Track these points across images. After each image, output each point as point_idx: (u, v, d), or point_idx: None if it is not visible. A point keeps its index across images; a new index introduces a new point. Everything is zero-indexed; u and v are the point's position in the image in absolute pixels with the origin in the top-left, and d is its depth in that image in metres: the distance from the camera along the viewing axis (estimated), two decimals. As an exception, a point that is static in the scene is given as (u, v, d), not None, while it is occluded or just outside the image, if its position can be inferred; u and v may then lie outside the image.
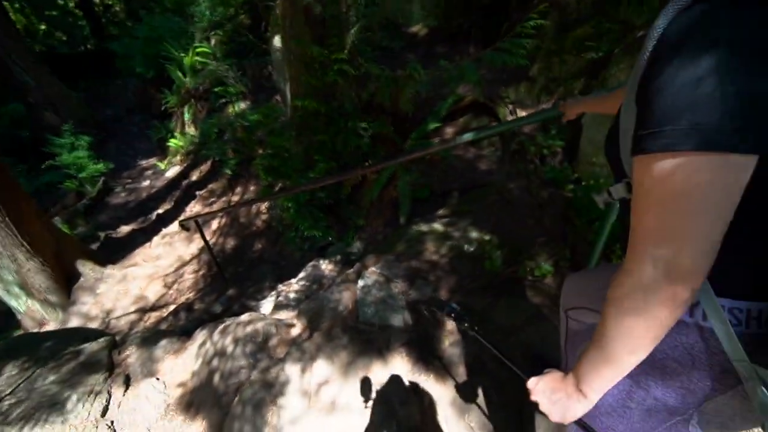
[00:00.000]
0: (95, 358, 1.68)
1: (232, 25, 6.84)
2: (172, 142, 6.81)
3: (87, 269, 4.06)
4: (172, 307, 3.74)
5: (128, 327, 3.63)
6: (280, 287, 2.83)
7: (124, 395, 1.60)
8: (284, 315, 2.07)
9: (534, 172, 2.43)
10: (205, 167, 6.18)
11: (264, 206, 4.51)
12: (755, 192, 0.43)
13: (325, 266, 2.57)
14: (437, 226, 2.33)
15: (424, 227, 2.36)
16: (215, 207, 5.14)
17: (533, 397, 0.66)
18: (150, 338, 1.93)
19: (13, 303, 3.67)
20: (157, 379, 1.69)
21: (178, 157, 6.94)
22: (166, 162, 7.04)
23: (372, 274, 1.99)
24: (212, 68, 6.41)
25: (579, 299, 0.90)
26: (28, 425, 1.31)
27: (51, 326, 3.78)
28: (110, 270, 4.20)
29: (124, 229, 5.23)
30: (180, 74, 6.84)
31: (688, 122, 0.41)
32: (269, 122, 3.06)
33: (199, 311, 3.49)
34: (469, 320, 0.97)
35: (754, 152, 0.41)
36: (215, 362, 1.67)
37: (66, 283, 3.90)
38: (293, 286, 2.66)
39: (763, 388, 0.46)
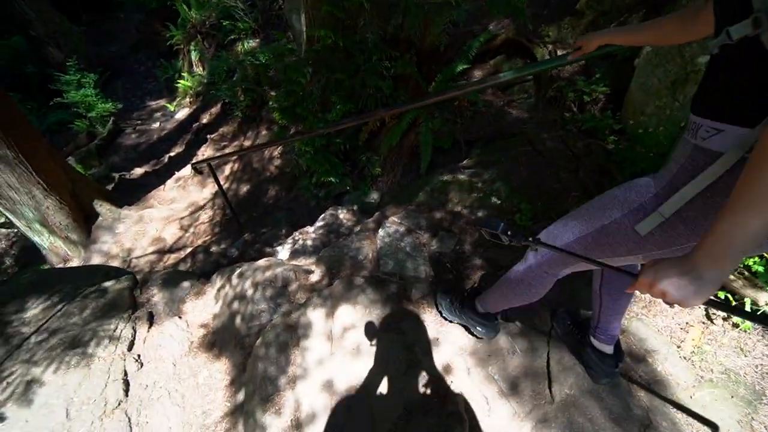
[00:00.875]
0: (119, 296, 1.70)
1: (240, -51, 6.19)
2: (181, 83, 6.53)
3: (104, 209, 4.09)
4: (189, 250, 3.80)
5: (149, 267, 3.72)
6: (297, 234, 2.79)
7: (148, 332, 1.63)
8: (302, 261, 2.05)
9: (571, 121, 2.22)
10: (215, 109, 5.97)
11: (277, 151, 4.38)
12: None
13: (343, 215, 2.50)
14: (462, 176, 2.20)
15: (447, 177, 2.23)
16: (227, 151, 5.03)
17: (659, 286, 0.59)
18: (171, 279, 1.94)
19: (36, 239, 3.76)
20: (180, 317, 1.71)
21: (188, 99, 6.70)
22: (175, 104, 6.81)
23: (393, 224, 1.91)
24: (217, 1, 5.93)
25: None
26: (56, 361, 1.35)
27: (74, 263, 3.91)
28: (127, 211, 4.23)
29: (138, 171, 5.19)
30: (185, 7, 6.36)
31: None
32: (281, 60, 2.81)
33: (216, 254, 3.53)
34: (524, 235, 0.89)
35: None
36: (236, 305, 1.67)
37: (85, 221, 3.95)
38: (310, 234, 2.62)
39: None
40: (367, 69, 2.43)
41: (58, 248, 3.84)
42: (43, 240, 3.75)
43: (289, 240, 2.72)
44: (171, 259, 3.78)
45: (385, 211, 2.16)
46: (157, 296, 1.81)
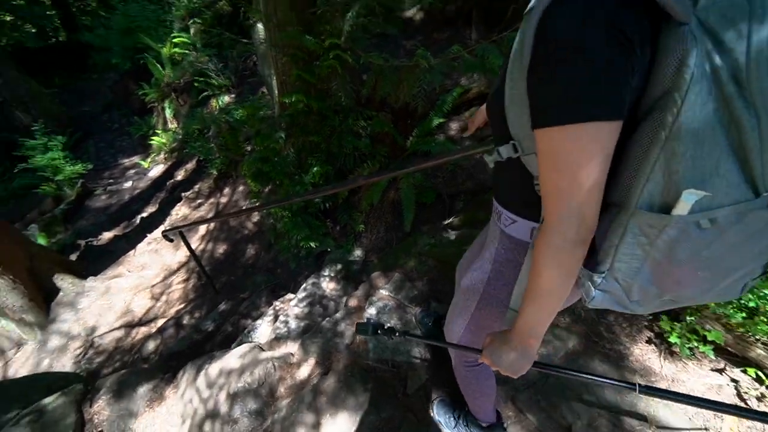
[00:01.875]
0: (61, 417, 1.44)
1: (212, 13, 6.40)
2: (155, 140, 6.42)
3: (66, 283, 3.77)
4: (160, 322, 3.49)
5: (113, 345, 3.38)
6: (277, 304, 2.59)
7: None
8: (285, 348, 1.84)
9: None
10: (190, 166, 5.84)
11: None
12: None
13: (326, 284, 2.34)
14: (448, 236, 2.10)
15: (434, 239, 2.12)
16: (202, 209, 4.84)
17: (494, 368, 0.73)
18: (125, 383, 1.68)
19: (-15, 325, 3.39)
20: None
21: (162, 156, 6.56)
22: (149, 160, 6.65)
23: (381, 298, 1.76)
24: (192, 59, 6.01)
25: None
26: None
27: (30, 346, 3.52)
28: (92, 282, 3.92)
29: (106, 235, 4.91)
30: (159, 66, 6.40)
31: (568, 99, 0.49)
32: (255, 122, 2.75)
33: (188, 328, 3.24)
34: (394, 331, 0.97)
35: (617, 119, 0.48)
36: (207, 426, 1.43)
37: (44, 299, 3.62)
38: (292, 308, 2.43)
39: None
40: (343, 129, 2.39)
41: (10, 332, 3.46)
42: (-7, 325, 3.38)
43: (270, 312, 2.51)
44: (140, 333, 3.46)
45: (372, 280, 2.01)
46: (105, 411, 1.55)
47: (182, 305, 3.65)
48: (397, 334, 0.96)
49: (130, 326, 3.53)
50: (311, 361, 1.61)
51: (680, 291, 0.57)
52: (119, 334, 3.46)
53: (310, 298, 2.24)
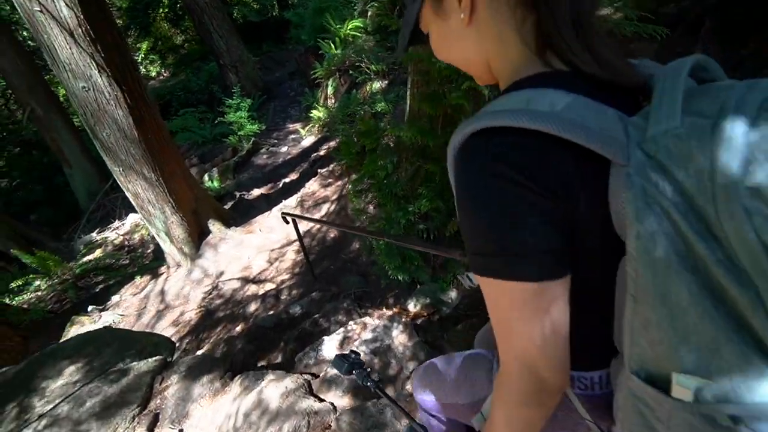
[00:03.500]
0: (136, 383, 1.65)
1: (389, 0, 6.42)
2: (314, 113, 7.11)
3: (215, 228, 4.55)
4: (267, 287, 3.89)
5: (229, 294, 3.95)
6: (351, 326, 2.47)
7: None
8: (331, 396, 1.68)
9: None
10: (333, 144, 6.25)
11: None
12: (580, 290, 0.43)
13: (397, 334, 2.06)
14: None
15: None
16: (329, 189, 5.12)
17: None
18: (195, 368, 1.82)
19: (161, 244, 4.39)
20: (180, 431, 1.55)
21: (316, 128, 7.25)
22: (306, 130, 7.45)
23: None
24: (360, 43, 6.25)
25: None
26: None
27: (182, 270, 4.44)
28: (232, 232, 4.64)
29: (255, 192, 5.75)
30: (332, 46, 6.93)
31: (495, 251, 0.41)
32: (372, 134, 2.50)
33: (282, 304, 3.49)
34: (369, 378, 0.93)
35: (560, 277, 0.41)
36: None
37: (198, 237, 4.46)
38: (362, 334, 2.26)
39: None
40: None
41: (174, 255, 4.41)
42: (165, 246, 4.35)
43: (340, 332, 2.41)
44: (250, 291, 3.93)
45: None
46: (172, 389, 1.71)
47: (287, 276, 3.98)
48: (369, 383, 0.92)
49: (245, 281, 4.05)
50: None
51: None
52: (236, 285, 4.02)
53: (377, 341, 2.00)
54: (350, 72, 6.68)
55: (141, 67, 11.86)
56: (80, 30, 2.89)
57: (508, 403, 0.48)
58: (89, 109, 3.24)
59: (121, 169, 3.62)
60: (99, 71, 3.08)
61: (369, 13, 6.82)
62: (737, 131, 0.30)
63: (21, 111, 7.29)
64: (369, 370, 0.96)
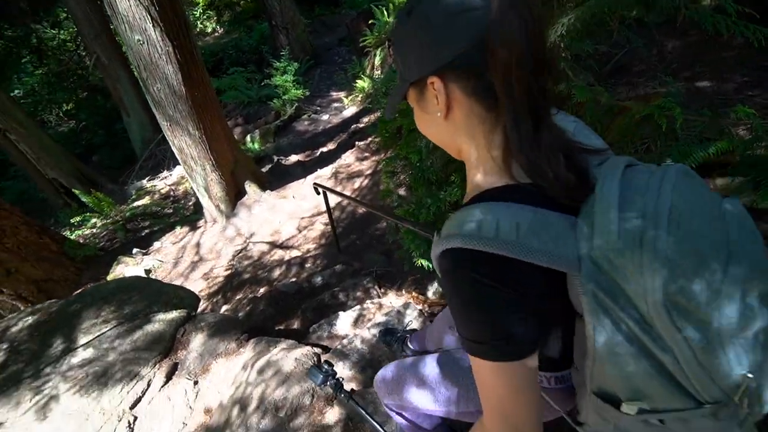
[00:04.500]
0: (161, 333, 1.76)
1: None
2: (359, 83, 6.96)
3: (251, 189, 4.69)
4: (293, 253, 4.00)
5: (257, 256, 4.10)
6: (368, 304, 2.48)
7: (159, 390, 1.63)
8: (339, 371, 1.71)
9: None
10: (374, 117, 6.12)
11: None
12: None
13: (410, 320, 2.03)
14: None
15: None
16: (365, 163, 5.07)
17: None
18: (215, 326, 1.91)
19: (201, 199, 4.61)
20: (196, 383, 1.65)
21: (359, 98, 7.12)
22: (349, 99, 7.35)
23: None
24: (414, 11, 5.92)
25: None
26: (76, 389, 1.46)
27: (217, 226, 4.65)
28: (267, 195, 4.76)
29: (293, 158, 5.82)
30: (384, 13, 6.64)
31: (484, 339, 0.50)
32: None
33: (305, 273, 3.58)
34: (343, 390, 1.01)
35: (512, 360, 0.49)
36: (235, 411, 1.47)
37: (235, 197, 4.62)
38: (377, 315, 2.26)
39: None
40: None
41: (211, 211, 4.62)
42: (204, 202, 4.56)
43: (356, 309, 2.43)
44: (276, 255, 4.06)
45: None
46: (194, 343, 1.81)
47: (313, 246, 4.05)
48: (342, 395, 1.00)
49: (273, 245, 4.18)
50: (341, 416, 1.41)
51: None
52: (264, 248, 4.16)
53: (388, 324, 1.99)
54: (400, 42, 6.41)
55: (198, 23, 12.09)
56: (138, -18, 2.94)
57: None
58: (143, 63, 3.35)
59: (168, 124, 3.76)
60: (153, 25, 3.15)
61: (427, -21, 6.42)
62: (658, 245, 0.41)
63: (88, 57, 7.75)
64: (343, 379, 1.04)
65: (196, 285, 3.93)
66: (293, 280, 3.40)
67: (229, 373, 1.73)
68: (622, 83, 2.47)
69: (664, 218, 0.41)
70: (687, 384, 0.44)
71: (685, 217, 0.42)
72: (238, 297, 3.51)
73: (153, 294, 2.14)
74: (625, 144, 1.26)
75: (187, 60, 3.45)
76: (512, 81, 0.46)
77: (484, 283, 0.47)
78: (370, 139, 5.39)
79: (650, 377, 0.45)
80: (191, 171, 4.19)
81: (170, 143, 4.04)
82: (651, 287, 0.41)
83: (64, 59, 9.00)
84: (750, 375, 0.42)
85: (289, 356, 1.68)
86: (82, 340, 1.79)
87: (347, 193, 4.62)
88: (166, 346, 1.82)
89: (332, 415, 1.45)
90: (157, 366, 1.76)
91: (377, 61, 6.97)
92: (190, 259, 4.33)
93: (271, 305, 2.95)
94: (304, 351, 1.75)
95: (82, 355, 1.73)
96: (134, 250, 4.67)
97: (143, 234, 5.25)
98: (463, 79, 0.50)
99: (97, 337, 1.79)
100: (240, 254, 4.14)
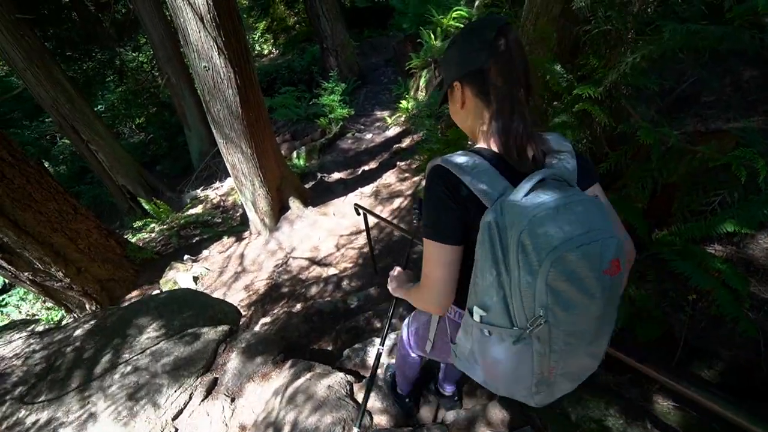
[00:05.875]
0: (204, 348, 1.85)
1: (500, -13, 5.97)
2: (402, 103, 7.07)
3: (294, 205, 4.86)
4: (330, 271, 4.06)
5: (296, 271, 4.21)
6: (393, 336, 2.43)
7: (200, 404, 1.69)
8: (370, 400, 1.68)
9: None
10: (417, 137, 6.17)
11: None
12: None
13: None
14: None
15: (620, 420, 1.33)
16: (405, 184, 5.09)
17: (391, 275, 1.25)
18: (254, 345, 1.97)
19: (248, 212, 4.85)
20: (233, 400, 1.70)
21: (402, 119, 7.23)
22: (392, 119, 7.48)
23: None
24: (461, 35, 5.96)
25: None
26: (116, 405, 1.56)
27: (261, 239, 4.86)
28: (308, 211, 4.91)
29: (336, 175, 5.98)
30: (431, 36, 6.74)
31: (430, 224, 0.79)
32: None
33: (340, 294, 3.61)
34: None
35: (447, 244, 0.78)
36: None
37: (279, 212, 4.82)
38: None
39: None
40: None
41: (256, 224, 4.84)
42: (250, 215, 4.79)
43: (392, 338, 2.39)
44: (314, 272, 4.15)
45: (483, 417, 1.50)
46: (233, 361, 1.88)
47: (350, 265, 4.09)
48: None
49: (312, 261, 4.28)
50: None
51: (494, 383, 0.83)
52: (303, 263, 4.27)
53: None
54: (446, 65, 6.46)
55: (256, 46, 13.02)
56: (209, 16, 3.23)
57: (417, 300, 0.93)
58: (207, 87, 3.65)
59: (224, 141, 4.04)
60: (219, 53, 3.43)
61: (476, 3, 6.46)
62: (532, 211, 0.65)
63: (160, 77, 8.60)
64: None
65: (238, 295, 4.10)
66: (328, 299, 3.44)
67: (264, 394, 1.76)
68: (688, 116, 2.30)
69: (547, 207, 0.65)
70: (510, 305, 0.68)
71: (560, 212, 0.64)
72: (275, 310, 3.61)
73: (200, 308, 2.26)
74: (694, 192, 1.15)
75: (246, 84, 3.71)
76: (499, 91, 0.73)
77: (439, 188, 0.75)
78: (410, 160, 5.42)
79: (494, 290, 0.69)
80: (241, 185, 4.44)
81: (224, 159, 4.33)
82: (516, 231, 0.64)
83: (141, 79, 10.05)
84: (542, 313, 0.64)
85: (323, 383, 1.68)
86: (135, 349, 1.92)
87: (387, 212, 4.65)
88: (208, 361, 1.90)
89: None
90: (198, 380, 1.84)
91: (422, 82, 7.07)
92: (234, 269, 4.54)
93: (307, 322, 2.99)
94: (337, 379, 1.75)
95: (133, 364, 1.86)
96: (185, 257, 4.99)
97: (194, 241, 5.61)
98: (472, 85, 0.78)
99: (148, 347, 1.92)
100: (280, 268, 4.27)
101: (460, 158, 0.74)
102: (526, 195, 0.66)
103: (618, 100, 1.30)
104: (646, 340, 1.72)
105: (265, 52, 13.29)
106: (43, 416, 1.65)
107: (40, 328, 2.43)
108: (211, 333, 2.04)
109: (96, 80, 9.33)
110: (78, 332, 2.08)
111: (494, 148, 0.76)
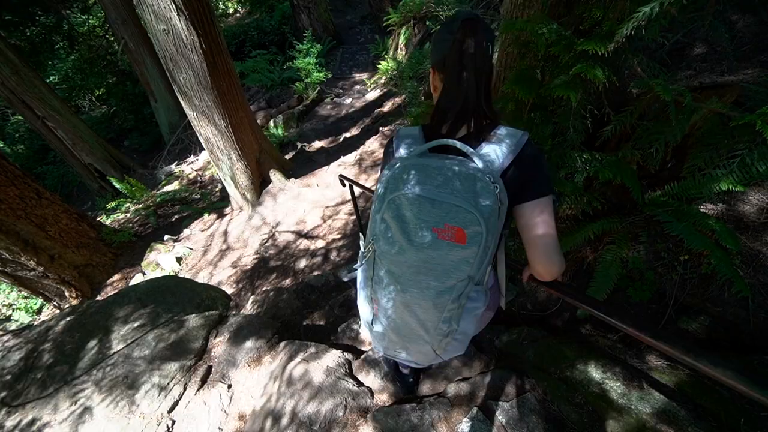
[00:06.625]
0: (194, 335, 1.78)
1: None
2: (382, 64, 6.72)
3: (276, 178, 4.68)
4: (318, 243, 4.00)
5: (283, 245, 4.13)
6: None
7: (195, 393, 1.65)
8: (369, 380, 1.68)
9: None
10: (398, 100, 5.93)
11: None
12: None
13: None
14: (646, 397, 1.31)
15: (616, 384, 1.37)
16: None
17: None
18: (245, 328, 1.92)
19: (227, 188, 4.65)
20: (230, 386, 1.67)
21: (382, 81, 6.90)
22: (371, 82, 7.13)
23: (475, 420, 1.29)
24: (442, -13, 5.58)
25: None
26: (112, 396, 1.50)
27: (243, 214, 4.70)
28: (291, 183, 4.74)
29: (316, 144, 5.75)
30: (410, -11, 6.29)
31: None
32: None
33: (330, 266, 3.57)
34: None
35: None
36: (268, 423, 1.47)
37: (260, 185, 4.63)
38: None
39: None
40: (551, 155, 1.66)
41: (237, 199, 4.66)
42: (230, 190, 4.60)
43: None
44: (302, 245, 4.07)
45: (487, 381, 1.52)
46: (226, 346, 1.82)
47: (338, 236, 4.03)
48: None
49: (299, 235, 4.19)
50: (376, 428, 1.39)
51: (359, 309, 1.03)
52: (290, 237, 4.18)
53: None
54: (427, 22, 6.10)
55: (219, 4, 11.95)
56: (161, -32, 2.86)
57: None
58: (168, 53, 3.31)
59: (195, 114, 3.76)
60: (178, 14, 3.08)
61: (457, -50, 5.99)
62: (407, 158, 0.86)
63: (116, 43, 7.83)
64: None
65: (225, 272, 4.02)
66: (318, 273, 3.40)
67: (261, 378, 1.74)
68: (681, 69, 2.22)
69: (416, 163, 0.80)
70: (370, 229, 0.87)
71: (429, 172, 0.78)
72: (265, 288, 3.56)
73: (185, 295, 2.17)
74: (708, 154, 1.09)
75: (212, 49, 3.39)
76: (449, 75, 0.84)
77: (389, 145, 0.93)
78: (395, 124, 5.23)
79: (374, 222, 0.85)
80: (217, 160, 4.21)
81: (197, 133, 4.05)
82: (389, 174, 0.81)
83: (94, 45, 9.14)
84: (372, 240, 0.85)
85: (320, 364, 1.66)
86: (119, 344, 1.85)
87: (372, 180, 4.54)
88: (199, 350, 1.85)
89: (366, 429, 1.43)
90: (192, 370, 1.79)
91: (401, 40, 6.69)
92: (218, 247, 4.42)
93: (299, 298, 2.96)
94: (334, 357, 1.73)
95: (119, 359, 1.79)
96: (166, 237, 4.81)
97: (173, 220, 5.39)
98: (439, 71, 0.88)
99: (134, 341, 1.85)
100: (267, 243, 4.18)
101: (408, 129, 0.94)
102: (419, 156, 0.82)
103: (625, 55, 1.20)
104: (638, 300, 1.75)
105: (230, 11, 12.23)
106: (26, 417, 1.58)
107: (13, 327, 2.30)
108: (199, 320, 1.98)
109: (43, 48, 8.42)
110: (58, 328, 1.98)
111: (435, 119, 0.90)
